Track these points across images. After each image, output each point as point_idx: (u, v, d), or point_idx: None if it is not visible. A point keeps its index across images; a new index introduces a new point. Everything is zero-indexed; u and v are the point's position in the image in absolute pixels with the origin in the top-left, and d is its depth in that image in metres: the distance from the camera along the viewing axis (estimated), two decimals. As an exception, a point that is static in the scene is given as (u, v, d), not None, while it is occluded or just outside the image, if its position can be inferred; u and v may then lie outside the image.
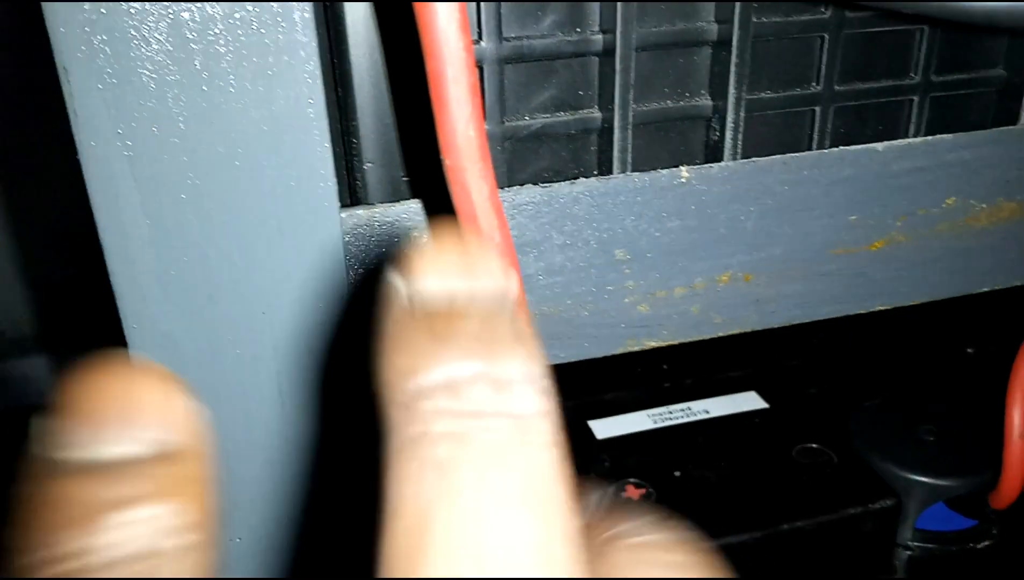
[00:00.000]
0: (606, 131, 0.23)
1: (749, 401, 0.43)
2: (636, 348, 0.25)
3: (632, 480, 0.38)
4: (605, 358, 0.50)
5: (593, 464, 0.39)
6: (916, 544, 0.39)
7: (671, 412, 0.43)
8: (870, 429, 0.40)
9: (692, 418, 0.42)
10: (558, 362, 0.24)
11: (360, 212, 0.21)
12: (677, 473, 0.38)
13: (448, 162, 0.16)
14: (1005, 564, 0.38)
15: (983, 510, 0.38)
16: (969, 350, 0.47)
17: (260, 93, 0.19)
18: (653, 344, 0.25)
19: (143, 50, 0.18)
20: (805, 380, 0.46)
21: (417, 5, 0.16)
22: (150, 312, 0.20)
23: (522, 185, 0.22)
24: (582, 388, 0.45)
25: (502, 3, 0.21)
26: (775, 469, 0.38)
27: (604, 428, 0.42)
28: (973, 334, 0.48)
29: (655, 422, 0.42)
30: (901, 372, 0.47)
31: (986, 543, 0.39)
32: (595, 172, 0.24)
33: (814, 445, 0.39)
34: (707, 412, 0.42)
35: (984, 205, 0.26)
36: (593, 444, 0.40)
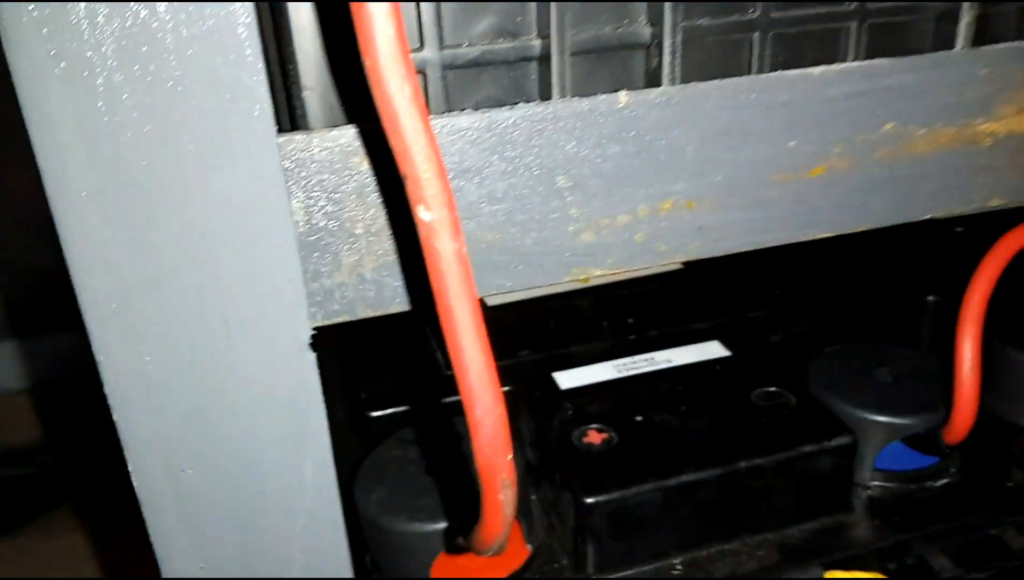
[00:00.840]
0: (545, 58, 0.24)
1: (712, 350, 0.44)
2: (582, 276, 0.25)
3: (594, 426, 0.38)
4: (571, 312, 0.50)
5: (556, 412, 0.39)
6: (875, 483, 0.39)
7: (635, 362, 0.43)
8: (828, 373, 0.41)
9: (655, 367, 0.43)
10: (504, 291, 0.25)
11: (298, 137, 0.21)
12: (639, 418, 0.38)
13: (368, 63, 0.16)
14: (963, 501, 0.39)
15: (941, 448, 0.39)
16: (930, 298, 0.48)
17: (191, 14, 0.19)
18: (599, 272, 0.26)
19: (69, -32, 0.18)
20: (768, 329, 0.47)
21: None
22: (90, 238, 0.21)
23: (460, 110, 0.23)
24: (548, 342, 0.46)
25: (436, -73, 0.21)
26: (734, 411, 0.38)
27: (568, 379, 0.42)
28: (936, 282, 0.49)
29: (619, 372, 0.42)
30: (864, 321, 0.48)
31: (945, 481, 0.40)
32: (536, 94, 0.24)
33: (773, 389, 0.40)
34: (670, 361, 0.43)
35: (923, 130, 0.27)
36: (557, 394, 0.41)
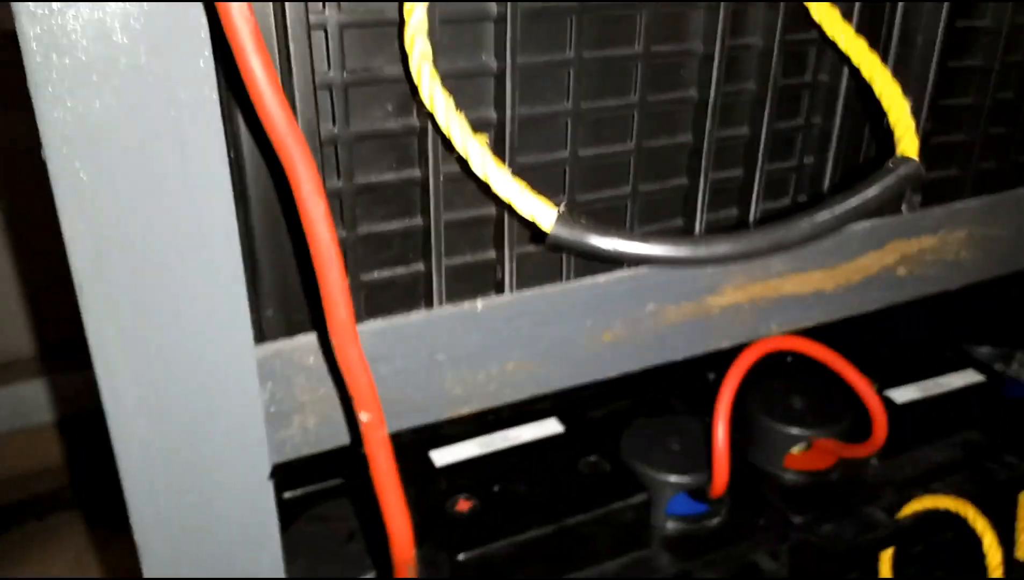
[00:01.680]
0: (428, 278, 0.36)
1: (551, 426, 0.57)
2: (455, 415, 0.38)
3: (463, 495, 0.50)
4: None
5: (432, 485, 0.51)
6: (668, 525, 0.54)
7: (493, 440, 0.56)
8: (635, 443, 0.55)
9: (508, 443, 0.56)
10: (402, 429, 0.37)
11: (267, 346, 0.33)
12: (496, 488, 0.51)
13: (334, 341, 0.27)
14: (729, 536, 0.54)
15: (709, 499, 0.54)
16: (711, 376, 0.63)
17: (192, 255, 0.30)
18: (466, 411, 0.38)
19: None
20: (592, 406, 0.61)
21: (303, 216, 0.27)
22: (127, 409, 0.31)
23: (375, 318, 0.35)
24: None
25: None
26: (565, 478, 0.52)
27: (441, 456, 0.54)
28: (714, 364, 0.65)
29: (481, 448, 0.55)
30: (663, 395, 0.63)
31: (717, 520, 0.55)
32: (423, 304, 0.36)
33: (593, 458, 0.53)
34: (519, 437, 0.56)
35: (673, 306, 0.41)
36: (431, 470, 0.53)
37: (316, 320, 0.34)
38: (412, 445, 0.57)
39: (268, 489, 0.34)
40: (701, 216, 0.40)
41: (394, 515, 0.29)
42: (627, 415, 0.60)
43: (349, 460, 0.51)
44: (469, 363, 0.37)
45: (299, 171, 0.26)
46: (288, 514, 0.50)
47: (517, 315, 0.37)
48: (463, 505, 0.50)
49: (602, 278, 0.39)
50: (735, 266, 0.42)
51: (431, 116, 0.30)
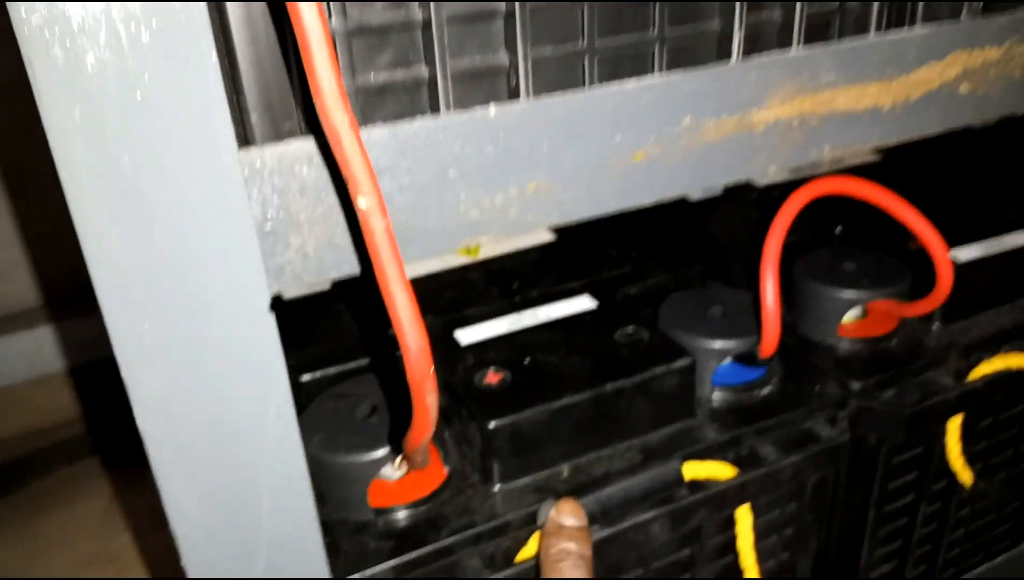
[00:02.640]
0: (432, 82, 0.32)
1: (583, 303, 0.53)
2: (473, 244, 0.34)
3: (491, 368, 0.47)
4: (466, 281, 0.58)
5: (459, 362, 0.48)
6: (714, 395, 0.50)
7: (521, 318, 0.52)
8: (673, 313, 0.51)
9: (538, 321, 0.52)
10: (413, 259, 0.33)
11: (254, 150, 0.29)
12: (527, 360, 0.47)
13: (317, 103, 0.24)
14: (781, 404, 0.50)
15: (759, 362, 0.50)
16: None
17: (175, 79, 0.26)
18: (485, 239, 0.34)
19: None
20: (627, 283, 0.57)
21: (290, 5, 0.23)
22: (105, 247, 0.27)
23: (374, 125, 0.31)
24: (448, 309, 0.54)
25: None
26: (601, 348, 0.48)
27: (467, 336, 0.51)
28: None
29: (509, 327, 0.51)
30: (703, 266, 0.59)
31: (768, 389, 0.51)
32: (427, 112, 0.32)
33: (631, 329, 0.49)
34: (549, 314, 0.52)
35: (712, 121, 0.36)
36: (458, 348, 0.49)
37: (310, 123, 0.30)
38: (434, 327, 0.53)
39: (270, 321, 0.31)
40: (741, 19, 0.35)
41: (403, 321, 0.25)
42: (663, 292, 0.56)
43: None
44: (485, 181, 0.33)
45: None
46: (307, 397, 0.47)
47: (536, 126, 0.33)
48: (492, 377, 0.46)
49: (630, 84, 0.34)
50: (781, 74, 0.37)
51: None
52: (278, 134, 0.30)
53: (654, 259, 0.61)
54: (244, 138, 0.29)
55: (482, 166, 0.33)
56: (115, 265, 0.28)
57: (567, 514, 0.41)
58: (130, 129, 0.26)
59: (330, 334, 0.55)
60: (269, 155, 0.29)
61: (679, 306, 0.52)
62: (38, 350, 1.13)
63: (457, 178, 0.32)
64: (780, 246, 0.45)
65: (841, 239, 0.63)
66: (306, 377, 0.49)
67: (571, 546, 0.40)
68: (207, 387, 0.31)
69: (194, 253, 0.29)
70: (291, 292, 0.52)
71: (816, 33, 0.39)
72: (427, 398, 0.28)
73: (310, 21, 0.23)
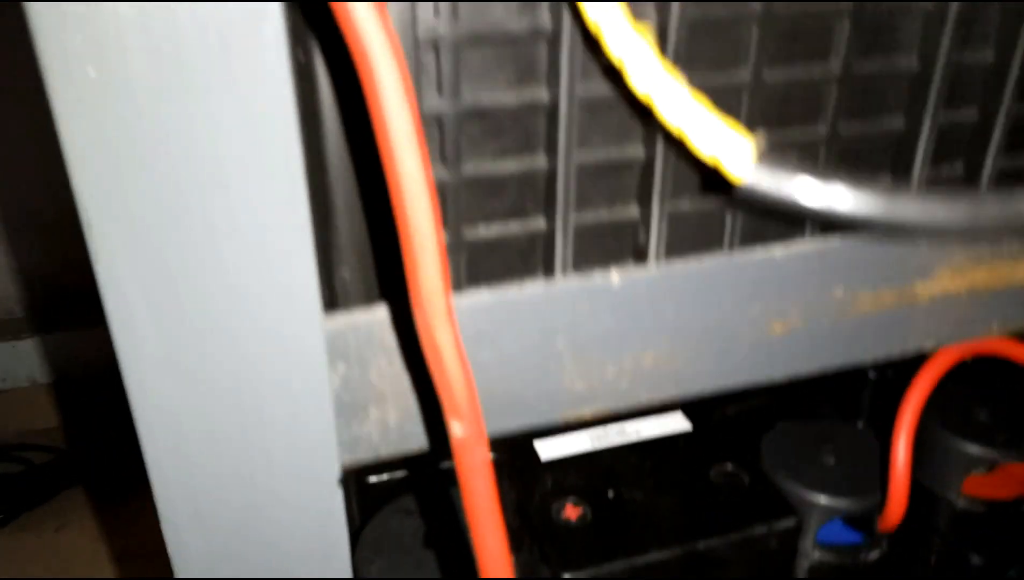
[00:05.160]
0: (550, 237, 0.27)
1: (676, 422, 0.48)
2: (573, 417, 0.29)
3: (571, 499, 0.42)
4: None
5: (536, 483, 0.43)
6: (816, 555, 0.44)
7: (607, 433, 0.47)
8: (778, 451, 0.46)
9: (626, 439, 0.47)
10: (507, 432, 0.28)
11: (340, 316, 0.25)
12: (611, 493, 0.43)
13: (418, 317, 0.19)
14: (892, 573, 0.44)
15: (874, 530, 0.44)
16: (871, 374, 0.53)
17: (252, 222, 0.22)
18: (588, 413, 0.30)
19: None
20: (725, 401, 0.52)
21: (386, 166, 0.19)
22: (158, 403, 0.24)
23: (478, 288, 0.26)
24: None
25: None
26: (694, 489, 0.43)
27: (548, 449, 0.46)
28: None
29: (593, 442, 0.47)
30: (812, 393, 0.53)
31: (876, 555, 0.45)
32: (540, 271, 0.28)
33: (729, 466, 0.44)
34: (638, 433, 0.47)
35: (869, 293, 0.31)
36: (537, 465, 0.45)
37: (396, 286, 0.26)
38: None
39: (336, 497, 0.27)
40: (922, 168, 0.30)
41: (491, 561, 0.21)
42: (765, 414, 0.50)
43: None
44: (596, 352, 0.28)
45: (381, 77, 0.18)
46: (373, 503, 0.44)
47: (662, 293, 0.28)
48: (571, 511, 0.42)
49: (778, 250, 0.29)
50: (960, 242, 0.31)
51: (574, 8, 0.21)
52: (369, 296, 0.26)
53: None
54: (331, 300, 0.25)
55: (595, 335, 0.28)
56: (178, 443, 0.24)
57: None
58: (197, 287, 0.23)
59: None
60: (357, 321, 0.25)
61: (785, 442, 0.47)
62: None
63: (565, 347, 0.28)
64: (918, 412, 0.39)
65: (976, 366, 0.56)
66: (373, 479, 0.46)
67: None
68: (265, 562, 0.27)
69: (261, 427, 0.25)
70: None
71: (1000, 190, 0.33)
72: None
73: (408, 168, 0.19)
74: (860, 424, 0.52)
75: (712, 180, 0.21)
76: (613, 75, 0.24)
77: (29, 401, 1.15)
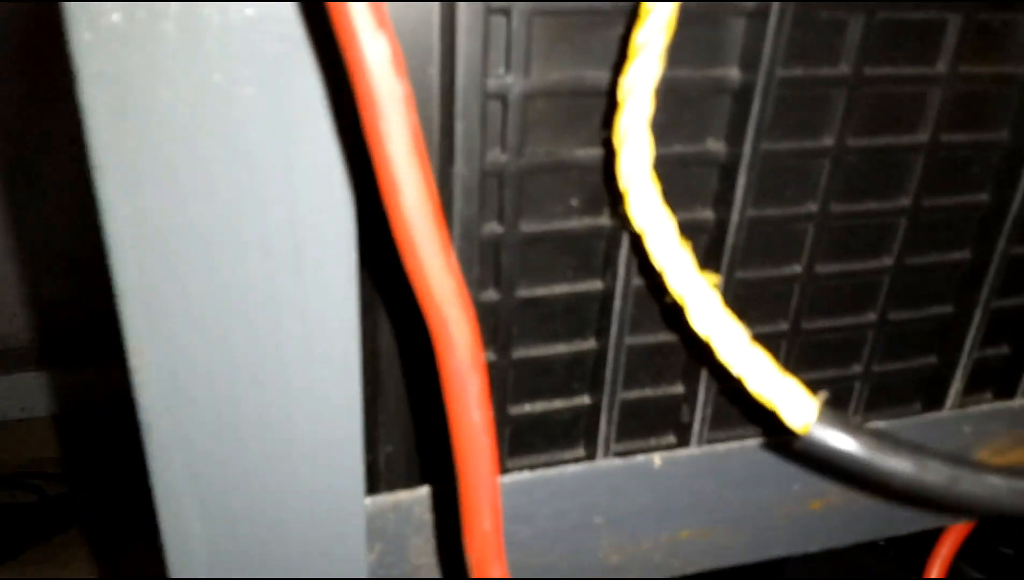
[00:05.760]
0: (594, 412, 0.27)
1: None
2: (605, 587, 0.29)
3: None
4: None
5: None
6: None
7: None
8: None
9: None
10: (539, 603, 0.28)
11: (381, 499, 0.25)
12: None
13: (463, 494, 0.19)
14: None
15: None
16: (1007, 551, 0.52)
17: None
18: (620, 583, 0.29)
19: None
20: None
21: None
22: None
23: (520, 470, 0.26)
24: None
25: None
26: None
27: None
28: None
29: None
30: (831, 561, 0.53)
31: None
32: (582, 445, 0.28)
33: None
34: None
35: (908, 472, 0.31)
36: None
37: (436, 467, 0.25)
38: None
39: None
40: (967, 359, 0.30)
41: None
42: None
43: None
44: (633, 528, 0.28)
45: (450, 334, 0.18)
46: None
47: (703, 473, 0.28)
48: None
49: (822, 432, 0.29)
50: (1002, 424, 0.31)
51: (624, 216, 0.21)
52: (410, 475, 0.26)
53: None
54: (372, 484, 0.25)
55: (633, 514, 0.28)
56: None
57: None
58: (242, 459, 0.22)
59: None
60: (399, 501, 0.25)
61: None
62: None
63: (602, 525, 0.28)
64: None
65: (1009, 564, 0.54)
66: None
67: None
68: None
69: (295, 603, 0.25)
70: None
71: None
72: None
73: (460, 363, 0.18)
74: None
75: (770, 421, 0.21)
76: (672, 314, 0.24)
77: (32, 433, 1.15)
